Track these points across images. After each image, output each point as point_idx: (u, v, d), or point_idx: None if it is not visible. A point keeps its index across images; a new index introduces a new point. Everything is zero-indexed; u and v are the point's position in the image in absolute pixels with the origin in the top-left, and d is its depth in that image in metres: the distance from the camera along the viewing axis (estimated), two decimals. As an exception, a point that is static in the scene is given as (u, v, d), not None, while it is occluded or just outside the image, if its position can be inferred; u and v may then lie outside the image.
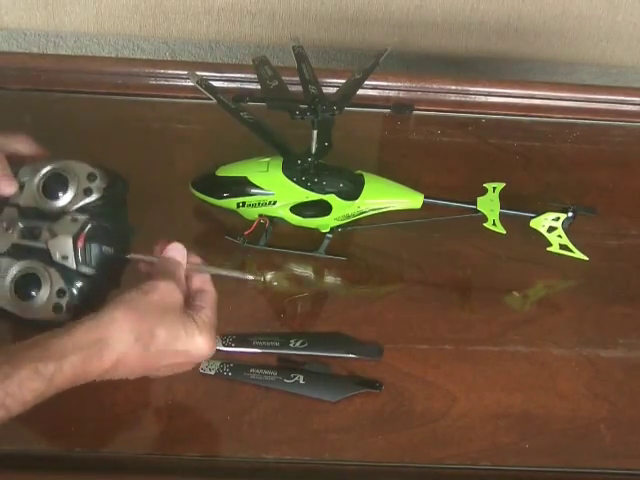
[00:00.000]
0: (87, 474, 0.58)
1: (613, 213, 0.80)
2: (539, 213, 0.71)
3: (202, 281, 0.60)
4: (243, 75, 0.87)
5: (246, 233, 0.72)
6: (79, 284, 0.57)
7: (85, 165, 0.60)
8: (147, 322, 0.53)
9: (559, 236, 0.71)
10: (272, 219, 0.72)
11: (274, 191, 0.70)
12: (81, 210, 0.58)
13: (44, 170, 0.59)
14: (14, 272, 0.57)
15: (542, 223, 0.71)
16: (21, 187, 0.59)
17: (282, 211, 0.71)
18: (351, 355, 0.66)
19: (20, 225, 0.57)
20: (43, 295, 0.57)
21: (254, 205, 0.71)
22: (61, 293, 0.56)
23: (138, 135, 0.84)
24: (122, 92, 0.87)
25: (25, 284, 0.56)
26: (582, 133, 0.89)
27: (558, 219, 0.71)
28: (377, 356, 0.67)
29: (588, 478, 0.62)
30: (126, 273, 0.62)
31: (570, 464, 0.62)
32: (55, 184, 0.59)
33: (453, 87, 0.89)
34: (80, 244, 0.56)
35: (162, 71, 0.87)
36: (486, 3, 1.00)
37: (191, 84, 0.71)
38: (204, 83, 0.71)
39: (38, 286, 0.56)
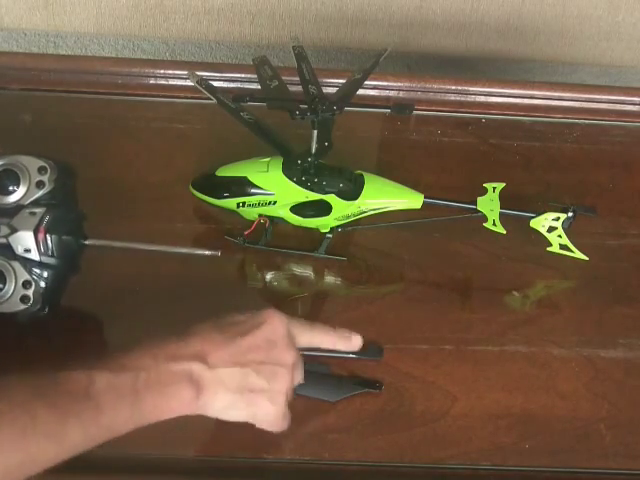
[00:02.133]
0: (87, 474, 0.58)
1: (613, 213, 0.80)
2: (539, 213, 0.71)
3: None
4: (243, 75, 0.87)
5: (246, 233, 0.72)
6: (44, 274, 0.59)
7: (34, 159, 0.61)
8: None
9: (559, 236, 0.71)
10: (272, 219, 0.72)
11: (274, 191, 0.70)
12: (36, 203, 0.59)
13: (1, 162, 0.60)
14: None
15: (542, 223, 0.71)
16: None
17: (282, 211, 0.71)
18: (351, 355, 0.66)
19: None
20: (9, 288, 0.58)
21: (254, 205, 0.71)
22: (27, 284, 0.58)
23: (138, 135, 0.84)
24: (122, 92, 0.87)
25: None
26: (582, 133, 0.89)
27: (558, 219, 0.71)
28: (377, 356, 0.67)
29: (588, 478, 0.62)
30: (84, 258, 0.64)
31: (570, 464, 0.62)
32: (6, 180, 0.60)
33: (453, 87, 0.89)
34: (41, 236, 0.58)
35: (162, 71, 0.87)
36: (486, 3, 1.00)
37: (191, 84, 0.71)
38: (204, 83, 0.71)
39: (3, 280, 0.58)
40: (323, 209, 0.71)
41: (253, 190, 0.70)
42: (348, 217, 0.72)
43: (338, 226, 0.73)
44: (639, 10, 1.01)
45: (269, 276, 0.73)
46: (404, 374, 0.66)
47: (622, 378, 0.68)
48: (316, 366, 0.65)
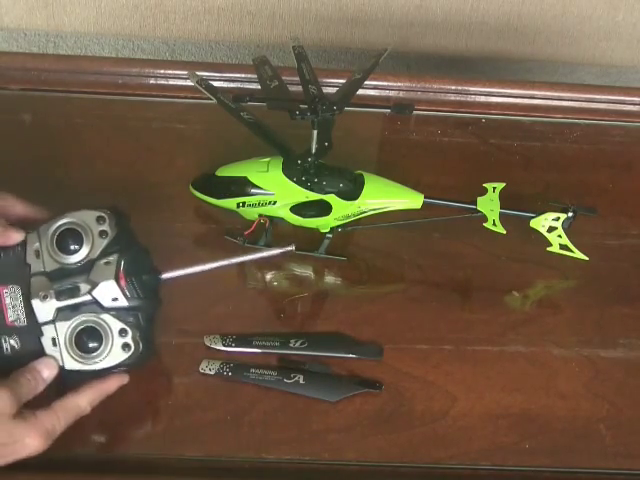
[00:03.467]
0: (87, 474, 0.58)
1: (613, 213, 0.80)
2: (539, 213, 0.71)
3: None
4: (243, 75, 0.87)
5: (246, 233, 0.72)
6: (136, 317, 0.58)
7: (89, 211, 0.60)
8: None
9: (559, 236, 0.71)
10: (272, 219, 0.72)
11: (274, 191, 0.70)
12: (105, 253, 0.59)
13: (51, 230, 0.59)
14: (69, 332, 0.57)
15: (542, 223, 0.71)
16: (36, 254, 0.59)
17: (282, 211, 0.71)
18: (351, 355, 0.66)
19: (55, 289, 0.57)
20: (107, 342, 0.57)
21: (254, 205, 0.71)
22: (123, 332, 0.57)
23: (138, 135, 0.84)
24: (122, 92, 0.87)
25: (86, 339, 0.57)
26: (582, 133, 0.89)
27: (558, 219, 0.71)
28: (377, 356, 0.67)
29: (588, 478, 0.62)
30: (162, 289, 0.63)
31: (570, 464, 0.62)
32: (70, 240, 0.59)
33: (453, 87, 0.89)
34: (123, 282, 0.57)
35: (162, 71, 0.87)
36: (486, 3, 1.00)
37: (191, 84, 0.71)
38: (204, 83, 0.71)
39: (99, 338, 0.57)
40: (323, 209, 0.71)
41: (253, 190, 0.70)
42: (348, 217, 0.72)
43: (338, 226, 0.73)
44: (639, 10, 1.01)
45: (269, 276, 0.73)
46: (404, 374, 0.66)
47: (622, 378, 0.68)
48: (316, 366, 0.65)
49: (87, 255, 0.58)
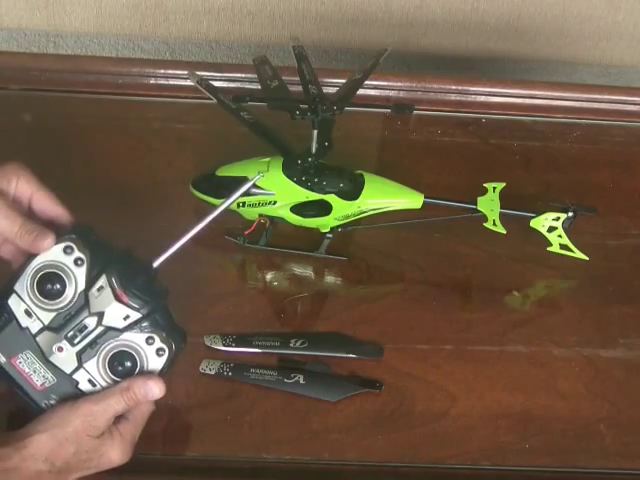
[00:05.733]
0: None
1: (613, 213, 0.80)
2: (539, 213, 0.71)
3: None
4: (243, 75, 0.87)
5: (246, 233, 0.72)
6: (154, 320, 0.57)
7: (54, 248, 0.57)
8: (65, 451, 0.53)
9: (559, 236, 0.71)
10: (272, 219, 0.72)
11: (274, 191, 0.70)
12: (91, 280, 0.56)
13: (28, 284, 0.56)
14: (101, 367, 0.56)
15: (542, 223, 0.71)
16: (27, 314, 0.56)
17: (282, 211, 0.71)
18: (351, 355, 0.66)
19: (66, 337, 0.56)
20: (141, 357, 0.56)
21: (254, 205, 0.71)
22: (150, 340, 0.56)
23: (138, 135, 0.84)
24: (122, 92, 0.87)
25: (118, 364, 0.56)
26: (582, 133, 0.89)
27: (558, 219, 0.71)
28: (377, 356, 0.67)
29: (588, 478, 0.62)
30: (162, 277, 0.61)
31: (570, 464, 0.62)
32: (49, 284, 0.56)
33: (453, 87, 0.89)
34: (125, 299, 0.56)
35: (162, 71, 0.87)
36: (486, 3, 1.00)
37: (191, 84, 0.71)
38: (204, 83, 0.71)
39: (132, 359, 0.56)
40: (323, 209, 0.71)
41: (253, 190, 0.70)
42: (348, 217, 0.72)
43: (338, 226, 0.73)
44: (639, 10, 1.01)
45: (269, 276, 0.73)
46: (404, 374, 0.66)
47: (622, 378, 0.68)
48: (316, 366, 0.65)
49: (75, 290, 0.56)
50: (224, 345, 0.66)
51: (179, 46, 1.07)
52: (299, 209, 0.71)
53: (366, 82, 0.72)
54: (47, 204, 0.59)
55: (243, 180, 0.70)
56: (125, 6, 0.99)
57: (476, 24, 1.02)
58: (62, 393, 0.56)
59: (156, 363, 0.57)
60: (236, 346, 0.66)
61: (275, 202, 0.70)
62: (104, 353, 0.56)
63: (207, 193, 0.72)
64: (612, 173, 0.85)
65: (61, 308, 0.56)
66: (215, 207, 0.61)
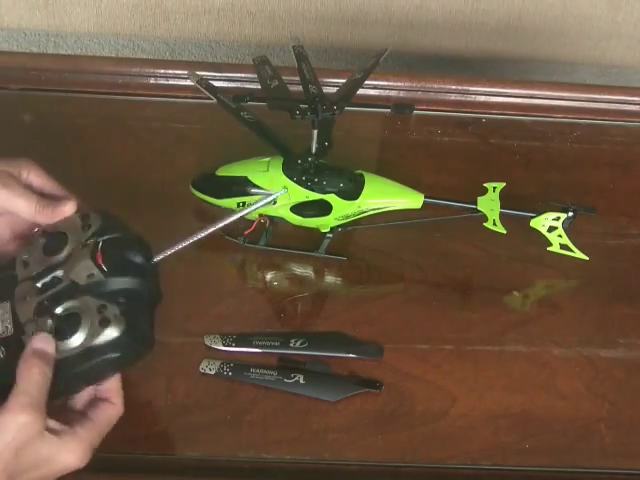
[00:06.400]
0: (87, 474, 0.58)
1: (613, 213, 0.80)
2: (539, 213, 0.71)
3: (109, 391, 0.56)
4: (243, 75, 0.87)
5: (246, 233, 0.72)
6: (117, 295, 0.54)
7: (75, 219, 0.58)
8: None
9: (559, 236, 0.71)
10: (272, 219, 0.72)
11: (274, 191, 0.70)
12: (86, 240, 0.56)
13: (38, 239, 0.57)
14: (49, 323, 0.54)
15: (542, 223, 0.71)
16: (24, 264, 0.56)
17: (282, 211, 0.71)
18: (351, 355, 0.66)
19: (35, 286, 0.55)
20: (86, 322, 0.53)
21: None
22: (102, 308, 0.53)
23: (138, 135, 0.84)
24: (122, 92, 0.87)
25: (67, 327, 0.53)
26: (582, 133, 0.89)
27: (558, 219, 0.71)
28: (377, 356, 0.67)
29: (588, 478, 0.62)
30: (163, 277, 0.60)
31: (570, 464, 0.62)
32: (54, 241, 0.57)
33: (453, 87, 0.89)
34: (100, 260, 0.55)
35: (162, 71, 0.87)
36: (486, 3, 1.00)
37: (191, 84, 0.71)
38: (204, 83, 0.71)
39: (78, 320, 0.53)
40: (323, 209, 0.71)
41: (253, 190, 0.70)
42: (348, 217, 0.72)
43: (338, 226, 0.73)
44: (639, 10, 1.01)
45: (269, 276, 0.73)
46: (404, 374, 0.66)
47: (622, 378, 0.68)
48: (316, 366, 0.65)
49: (70, 250, 0.56)
50: (224, 345, 0.66)
51: (179, 46, 1.08)
52: (299, 209, 0.71)
53: (366, 82, 0.72)
54: (59, 195, 0.60)
55: (243, 180, 0.71)
56: (125, 6, 0.99)
57: (476, 24, 1.02)
58: (9, 346, 0.53)
59: (97, 332, 0.52)
60: (236, 346, 0.66)
61: (275, 202, 0.70)
62: (59, 312, 0.54)
63: (207, 193, 0.72)
64: (612, 173, 0.85)
65: (52, 263, 0.56)
66: (230, 213, 0.62)
